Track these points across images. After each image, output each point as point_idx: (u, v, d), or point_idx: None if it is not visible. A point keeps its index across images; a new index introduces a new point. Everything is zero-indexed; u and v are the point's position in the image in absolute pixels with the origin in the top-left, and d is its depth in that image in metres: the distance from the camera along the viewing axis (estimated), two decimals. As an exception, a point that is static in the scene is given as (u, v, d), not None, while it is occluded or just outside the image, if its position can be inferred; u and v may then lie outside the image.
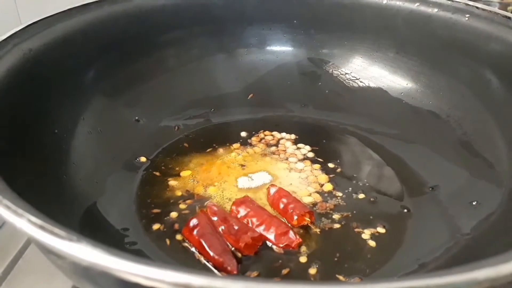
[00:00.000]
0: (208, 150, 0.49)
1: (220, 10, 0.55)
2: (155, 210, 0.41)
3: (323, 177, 0.45)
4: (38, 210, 0.26)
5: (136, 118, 0.50)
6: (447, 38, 0.47)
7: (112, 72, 0.48)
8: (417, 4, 0.50)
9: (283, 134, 0.51)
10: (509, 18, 0.43)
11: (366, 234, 0.38)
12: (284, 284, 0.17)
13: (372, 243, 0.37)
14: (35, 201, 0.32)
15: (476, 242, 0.35)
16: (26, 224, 0.19)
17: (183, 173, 0.45)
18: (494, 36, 0.43)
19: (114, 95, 0.48)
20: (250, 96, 0.56)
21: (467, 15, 0.46)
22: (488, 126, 0.42)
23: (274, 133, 0.52)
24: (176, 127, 0.51)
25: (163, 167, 0.46)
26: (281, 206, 0.40)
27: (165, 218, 0.40)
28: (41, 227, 0.19)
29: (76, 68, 0.45)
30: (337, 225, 0.39)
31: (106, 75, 0.48)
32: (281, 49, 0.57)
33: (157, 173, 0.45)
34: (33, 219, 0.20)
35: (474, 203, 0.39)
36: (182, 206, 0.41)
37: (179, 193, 0.43)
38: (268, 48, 0.57)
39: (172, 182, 0.44)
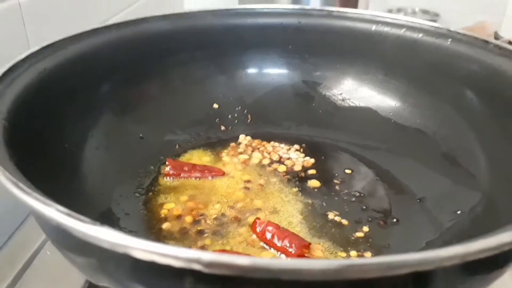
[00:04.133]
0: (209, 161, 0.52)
1: (220, 36, 0.58)
2: (162, 215, 0.43)
3: (314, 182, 0.49)
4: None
5: (141, 135, 0.52)
6: (431, 61, 0.51)
7: (119, 92, 0.51)
8: (404, 30, 0.54)
9: (282, 145, 0.55)
10: (487, 42, 0.47)
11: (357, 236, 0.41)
12: (289, 262, 0.20)
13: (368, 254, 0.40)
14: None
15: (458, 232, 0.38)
16: (55, 212, 0.22)
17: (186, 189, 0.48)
18: (474, 58, 0.47)
19: (121, 113, 0.51)
20: (248, 119, 0.59)
21: (449, 40, 0.50)
22: (469, 141, 0.45)
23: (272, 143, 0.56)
24: (177, 145, 0.54)
25: (166, 181, 0.49)
26: (277, 243, 0.40)
27: (170, 225, 0.42)
28: (68, 214, 0.22)
29: (86, 87, 0.48)
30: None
31: (113, 94, 0.51)
32: (277, 72, 0.61)
33: (162, 185, 0.48)
34: (61, 208, 0.22)
35: (458, 212, 0.42)
36: (188, 219, 0.44)
37: (183, 204, 0.46)
38: (265, 71, 0.61)
39: (174, 195, 0.47)
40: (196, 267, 0.20)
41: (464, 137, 0.47)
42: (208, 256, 0.19)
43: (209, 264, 0.19)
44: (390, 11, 1.86)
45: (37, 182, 0.34)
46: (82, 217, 0.22)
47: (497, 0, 1.60)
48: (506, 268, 0.28)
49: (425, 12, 1.86)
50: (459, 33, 0.50)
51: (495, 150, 0.43)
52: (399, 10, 1.89)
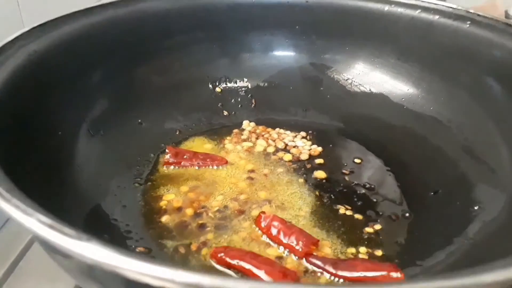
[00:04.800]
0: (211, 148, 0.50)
1: (223, 16, 0.55)
2: (161, 207, 0.41)
3: (320, 173, 0.46)
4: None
5: (139, 121, 0.50)
6: (448, 45, 0.48)
7: (115, 75, 0.48)
8: (419, 11, 0.50)
9: (288, 132, 0.53)
10: (509, 25, 0.44)
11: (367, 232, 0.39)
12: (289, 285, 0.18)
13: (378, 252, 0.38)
14: (39, 203, 0.33)
15: (478, 248, 0.35)
16: (36, 223, 0.19)
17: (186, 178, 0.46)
18: (495, 42, 0.43)
19: (118, 98, 0.48)
20: (253, 104, 0.56)
21: (468, 22, 0.47)
22: (489, 131, 0.42)
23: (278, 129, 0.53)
24: (178, 131, 0.52)
25: (165, 171, 0.46)
26: (284, 239, 0.37)
27: (170, 218, 0.40)
28: (51, 226, 0.19)
29: (80, 70, 0.45)
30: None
31: (109, 78, 0.48)
32: (283, 54, 0.58)
33: (161, 175, 0.46)
34: (43, 218, 0.20)
35: (476, 208, 0.39)
36: (188, 211, 0.41)
37: (183, 195, 0.43)
38: (271, 53, 0.58)
39: (174, 186, 0.44)
40: (195, 290, 0.17)
41: (482, 127, 0.44)
42: (208, 281, 0.17)
43: (209, 288, 0.17)
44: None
45: (24, 178, 0.32)
46: (66, 229, 0.19)
47: (509, -23, 1.53)
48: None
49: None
50: (478, 15, 0.47)
51: None
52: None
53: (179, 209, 0.42)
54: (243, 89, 0.57)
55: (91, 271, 0.23)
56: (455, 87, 0.47)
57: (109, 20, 0.48)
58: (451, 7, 0.49)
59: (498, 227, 0.35)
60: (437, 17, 0.49)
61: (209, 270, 0.35)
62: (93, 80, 0.47)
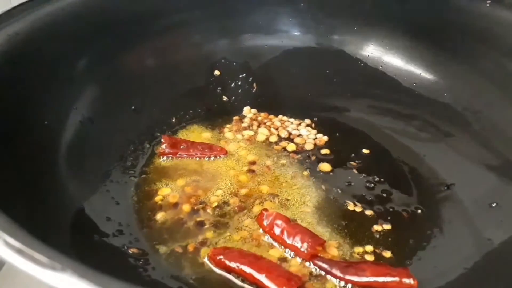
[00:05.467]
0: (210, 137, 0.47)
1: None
2: (156, 203, 0.39)
3: (326, 165, 0.43)
4: (25, 214, 0.24)
5: (133, 107, 0.46)
6: (466, 26, 0.44)
7: (106, 58, 0.45)
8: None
9: (292, 120, 0.50)
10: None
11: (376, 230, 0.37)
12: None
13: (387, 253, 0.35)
14: (22, 202, 0.30)
15: (499, 249, 0.32)
16: (3, 248, 0.16)
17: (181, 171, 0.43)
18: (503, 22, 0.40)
19: (109, 83, 0.45)
20: (254, 88, 0.53)
21: (488, 2, 0.43)
22: (509, 121, 0.39)
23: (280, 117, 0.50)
24: (174, 118, 0.48)
25: (161, 160, 0.43)
26: (288, 240, 0.35)
27: (165, 215, 0.37)
28: (19, 251, 0.16)
29: (67, 53, 0.41)
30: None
31: (100, 61, 0.44)
32: (287, 34, 0.54)
33: (156, 167, 0.43)
34: (11, 240, 0.17)
35: (493, 205, 0.37)
36: (185, 207, 0.38)
37: (180, 189, 0.40)
38: (273, 33, 0.54)
39: (170, 179, 0.42)
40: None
41: (502, 117, 0.41)
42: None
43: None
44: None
45: (6, 174, 0.30)
46: (37, 254, 0.16)
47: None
48: None
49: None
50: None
51: None
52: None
53: (175, 205, 0.39)
54: (244, 72, 0.53)
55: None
56: (473, 72, 0.44)
57: (99, -3, 0.45)
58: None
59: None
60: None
61: (208, 274, 0.33)
62: (82, 63, 0.43)
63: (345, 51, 0.51)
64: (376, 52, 0.50)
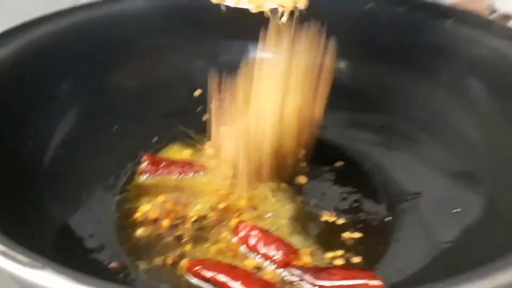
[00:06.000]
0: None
1: (203, 15, 0.53)
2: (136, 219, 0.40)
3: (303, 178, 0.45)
4: (6, 230, 0.25)
5: (115, 128, 0.48)
6: (429, 43, 0.47)
7: (89, 80, 0.47)
8: (402, 9, 0.49)
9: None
10: (491, 22, 0.43)
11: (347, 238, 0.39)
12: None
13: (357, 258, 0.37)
14: (5, 219, 0.31)
15: (460, 252, 0.34)
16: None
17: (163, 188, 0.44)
18: (477, 41, 0.43)
19: (92, 105, 0.47)
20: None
21: (450, 19, 0.46)
22: (469, 131, 0.42)
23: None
24: (156, 137, 0.50)
25: (142, 178, 0.45)
26: (262, 249, 0.36)
27: (145, 231, 0.39)
28: (3, 253, 0.18)
29: (51, 76, 0.44)
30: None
31: (83, 84, 0.46)
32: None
33: (138, 185, 0.44)
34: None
35: (456, 211, 0.39)
36: (165, 223, 0.40)
37: (160, 205, 0.42)
38: (252, 55, 0.56)
39: (151, 196, 0.43)
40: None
41: (463, 127, 0.43)
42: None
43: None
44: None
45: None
46: (19, 256, 0.18)
47: (494, -30, 1.54)
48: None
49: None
50: (460, 12, 0.46)
51: (499, 143, 0.39)
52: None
53: (155, 220, 0.40)
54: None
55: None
56: (435, 86, 0.46)
57: (82, 23, 0.47)
58: (433, 4, 0.48)
59: (478, 231, 0.34)
60: (419, 14, 0.48)
61: (186, 285, 0.34)
62: (66, 86, 0.45)
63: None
64: (347, 68, 0.52)
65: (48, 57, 0.43)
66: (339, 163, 0.47)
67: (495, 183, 0.37)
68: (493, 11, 1.80)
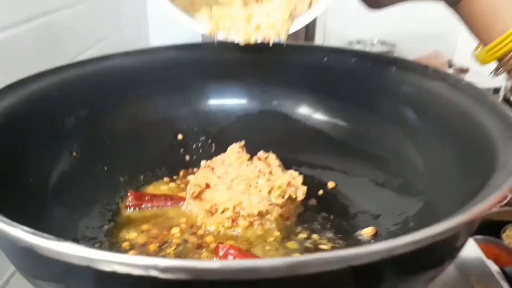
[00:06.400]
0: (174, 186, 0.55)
1: (182, 69, 0.61)
2: (124, 246, 0.45)
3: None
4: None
5: (105, 168, 0.54)
6: (378, 86, 0.55)
7: (83, 126, 0.52)
8: (354, 59, 0.58)
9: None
10: (427, 68, 0.51)
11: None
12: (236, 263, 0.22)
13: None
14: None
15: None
16: (21, 232, 0.24)
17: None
18: (414, 83, 0.51)
19: (85, 147, 0.52)
20: (213, 148, 0.61)
21: (394, 67, 0.54)
22: (410, 152, 0.49)
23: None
24: (142, 176, 0.56)
25: (128, 213, 0.50)
26: None
27: (132, 253, 0.44)
28: (33, 233, 0.23)
29: (49, 123, 0.49)
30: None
31: (77, 129, 0.52)
32: (238, 102, 0.63)
33: (124, 217, 0.50)
34: (26, 228, 0.24)
35: (410, 225, 0.45)
36: (152, 247, 0.45)
37: (144, 234, 0.47)
38: (227, 101, 0.64)
39: (136, 225, 0.48)
40: (154, 273, 0.21)
41: (405, 150, 0.51)
42: (164, 262, 0.21)
43: (165, 269, 0.21)
44: (350, 43, 1.95)
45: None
46: (46, 234, 0.23)
47: (450, 30, 1.70)
48: (439, 268, 0.31)
49: (383, 43, 1.96)
50: (403, 61, 0.54)
51: (433, 161, 0.47)
52: (358, 42, 1.98)
53: (143, 245, 0.45)
54: (203, 135, 0.62)
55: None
56: (384, 120, 0.54)
57: (77, 77, 0.53)
58: (381, 56, 0.58)
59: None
60: (369, 64, 0.57)
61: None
62: (62, 131, 0.51)
63: (286, 113, 0.62)
64: (309, 111, 0.60)
65: (50, 105, 0.49)
66: (320, 192, 0.55)
67: (431, 192, 0.44)
68: (451, 65, 1.96)
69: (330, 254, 0.22)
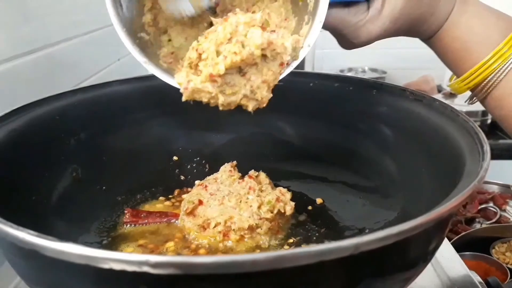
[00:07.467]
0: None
1: (177, 95, 0.65)
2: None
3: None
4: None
5: (104, 188, 0.57)
6: (359, 107, 0.58)
7: (84, 148, 0.56)
8: (337, 84, 0.62)
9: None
10: (404, 90, 0.55)
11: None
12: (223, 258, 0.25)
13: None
14: None
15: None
16: (27, 235, 0.26)
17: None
18: (392, 103, 0.55)
19: (86, 167, 0.55)
20: (207, 168, 0.64)
21: (374, 90, 0.58)
22: (387, 164, 0.53)
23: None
24: (138, 194, 0.59)
25: (125, 229, 0.53)
26: None
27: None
28: (38, 236, 0.26)
29: (52, 145, 0.52)
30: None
31: (78, 150, 0.55)
32: (229, 125, 0.66)
33: (122, 233, 0.52)
34: (31, 231, 0.27)
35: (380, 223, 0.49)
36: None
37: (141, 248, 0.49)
38: (220, 125, 0.67)
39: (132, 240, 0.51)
40: (146, 269, 0.24)
41: (383, 163, 0.54)
42: (154, 258, 0.24)
43: (155, 265, 0.24)
44: (342, 71, 2.01)
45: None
46: (49, 237, 0.26)
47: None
48: (414, 269, 0.34)
49: (373, 70, 2.02)
50: (382, 84, 0.58)
51: (407, 171, 0.50)
52: (350, 70, 2.04)
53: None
54: (197, 156, 0.65)
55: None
56: (359, 135, 0.58)
57: (79, 101, 0.57)
58: (362, 80, 0.61)
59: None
60: (351, 87, 0.60)
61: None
62: (65, 152, 0.54)
63: (275, 134, 0.65)
64: (298, 133, 0.63)
65: (52, 128, 0.52)
66: (309, 207, 0.57)
67: (406, 199, 0.48)
68: (440, 90, 2.00)
69: (302, 249, 0.25)
